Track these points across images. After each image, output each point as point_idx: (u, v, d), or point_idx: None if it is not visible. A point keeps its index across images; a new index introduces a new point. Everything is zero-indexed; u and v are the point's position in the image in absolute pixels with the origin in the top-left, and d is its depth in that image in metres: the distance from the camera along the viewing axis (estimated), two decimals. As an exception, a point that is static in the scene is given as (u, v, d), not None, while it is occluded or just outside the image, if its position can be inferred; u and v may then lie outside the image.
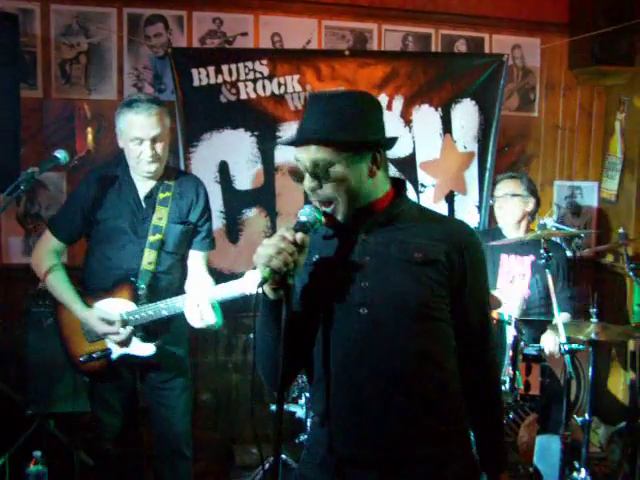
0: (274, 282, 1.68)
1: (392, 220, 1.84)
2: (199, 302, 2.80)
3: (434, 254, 1.79)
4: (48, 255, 2.99)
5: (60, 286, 2.94)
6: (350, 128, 1.75)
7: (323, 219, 1.80)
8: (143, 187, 2.95)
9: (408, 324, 1.77)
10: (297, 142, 1.79)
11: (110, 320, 2.86)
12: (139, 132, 2.79)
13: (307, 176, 1.79)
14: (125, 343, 2.89)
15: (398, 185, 1.91)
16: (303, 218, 1.76)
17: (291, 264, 1.67)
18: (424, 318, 1.78)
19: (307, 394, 3.50)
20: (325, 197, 1.78)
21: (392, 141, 1.88)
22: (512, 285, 3.82)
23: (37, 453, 2.93)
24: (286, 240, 1.68)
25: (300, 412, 3.58)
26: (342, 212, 1.80)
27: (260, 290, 1.70)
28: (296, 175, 1.85)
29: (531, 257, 3.79)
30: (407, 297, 1.77)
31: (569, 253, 4.05)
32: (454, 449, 1.83)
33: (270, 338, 1.77)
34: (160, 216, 2.92)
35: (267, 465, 3.62)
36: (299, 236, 1.70)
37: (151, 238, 2.91)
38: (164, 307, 2.85)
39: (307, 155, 1.76)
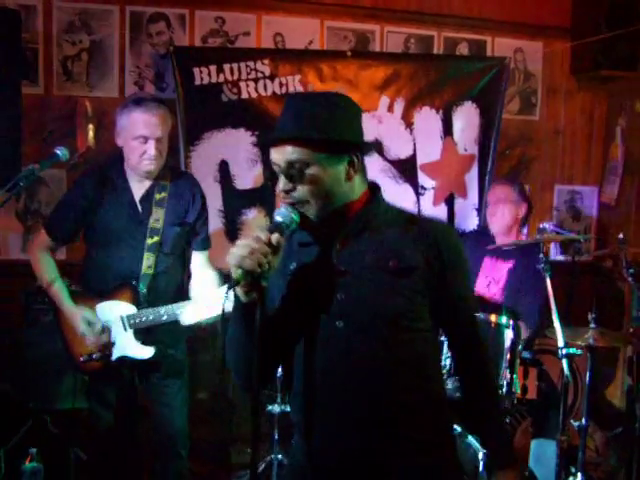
0: (247, 284, 1.61)
1: (366, 226, 1.77)
2: (197, 310, 2.82)
3: (410, 261, 1.72)
4: (40, 251, 2.99)
5: (48, 274, 2.94)
6: (325, 128, 1.68)
7: (299, 219, 1.73)
8: (138, 188, 2.92)
9: (385, 336, 1.71)
10: (271, 141, 1.74)
11: (91, 322, 2.88)
12: (145, 130, 2.76)
13: (282, 177, 1.72)
14: (103, 348, 2.90)
15: (374, 188, 1.84)
16: (279, 219, 1.69)
17: (265, 265, 1.59)
18: (402, 329, 1.72)
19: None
20: (298, 199, 1.72)
21: (370, 146, 1.84)
22: (488, 289, 3.81)
23: (33, 450, 2.92)
24: (260, 241, 1.61)
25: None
26: (314, 214, 1.74)
27: (232, 292, 1.64)
28: (270, 177, 1.80)
29: (509, 264, 3.72)
30: (383, 308, 1.71)
31: (561, 258, 4.04)
32: (437, 459, 1.78)
33: (242, 342, 1.70)
34: (157, 218, 2.89)
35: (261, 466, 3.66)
36: (274, 237, 1.63)
37: (149, 241, 2.88)
38: (164, 313, 2.84)
39: (282, 156, 1.69)
